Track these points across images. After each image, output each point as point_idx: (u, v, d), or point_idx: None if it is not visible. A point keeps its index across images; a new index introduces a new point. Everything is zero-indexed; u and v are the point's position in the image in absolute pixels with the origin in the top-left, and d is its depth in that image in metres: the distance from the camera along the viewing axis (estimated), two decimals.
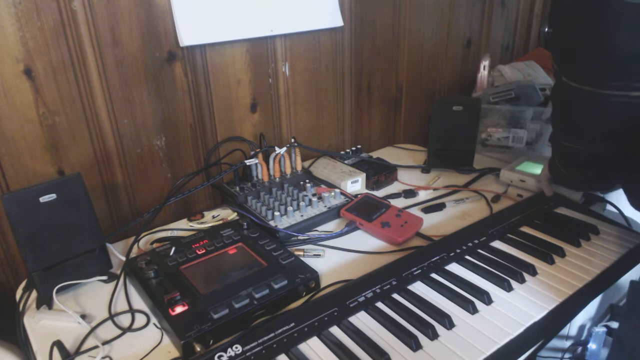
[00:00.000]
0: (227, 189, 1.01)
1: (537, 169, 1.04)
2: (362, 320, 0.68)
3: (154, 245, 0.87)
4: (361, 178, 1.07)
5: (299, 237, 0.89)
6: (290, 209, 0.92)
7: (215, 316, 0.65)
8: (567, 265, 0.79)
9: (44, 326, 0.70)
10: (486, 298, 0.71)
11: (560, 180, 0.89)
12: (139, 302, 0.74)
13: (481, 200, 1.03)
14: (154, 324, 0.70)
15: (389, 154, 1.28)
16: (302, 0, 1.03)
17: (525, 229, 0.90)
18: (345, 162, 1.16)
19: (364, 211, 0.92)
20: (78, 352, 0.65)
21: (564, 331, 1.09)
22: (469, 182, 1.11)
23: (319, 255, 0.84)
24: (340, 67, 1.19)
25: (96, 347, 0.65)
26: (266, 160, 1.03)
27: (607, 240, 0.86)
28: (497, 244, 0.85)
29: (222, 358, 0.60)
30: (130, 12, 0.85)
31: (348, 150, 1.21)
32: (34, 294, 0.76)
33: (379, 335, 0.65)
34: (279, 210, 0.92)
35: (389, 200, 1.00)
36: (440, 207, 0.99)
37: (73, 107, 0.84)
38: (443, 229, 0.92)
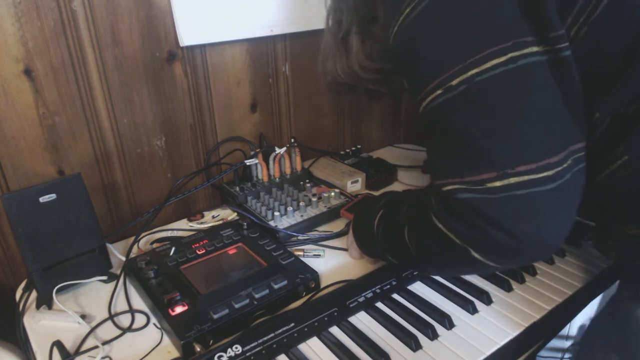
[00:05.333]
0: (227, 189, 1.01)
1: None
2: (362, 320, 0.68)
3: (154, 245, 0.87)
4: (361, 178, 1.07)
5: (299, 237, 0.89)
6: (290, 209, 0.92)
7: (215, 316, 0.65)
8: (567, 265, 0.79)
9: (43, 326, 0.70)
10: (486, 298, 0.71)
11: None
12: (138, 302, 0.74)
13: None
14: (154, 324, 0.70)
15: (389, 154, 1.28)
16: (302, 0, 1.03)
17: None
18: (345, 162, 1.16)
19: None
20: (78, 352, 0.65)
21: (564, 331, 1.09)
22: None
23: (319, 255, 0.84)
24: None
25: (96, 347, 0.65)
26: (266, 160, 1.03)
27: None
28: None
29: (222, 358, 0.60)
30: (130, 12, 0.85)
31: (348, 150, 1.21)
32: (34, 294, 0.76)
33: (379, 336, 0.65)
34: (279, 210, 0.92)
35: None
36: None
37: (73, 107, 0.84)
38: None
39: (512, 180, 0.45)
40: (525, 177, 0.45)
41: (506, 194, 0.45)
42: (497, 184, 0.46)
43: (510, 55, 0.46)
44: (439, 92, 0.50)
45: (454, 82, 0.48)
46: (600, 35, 0.49)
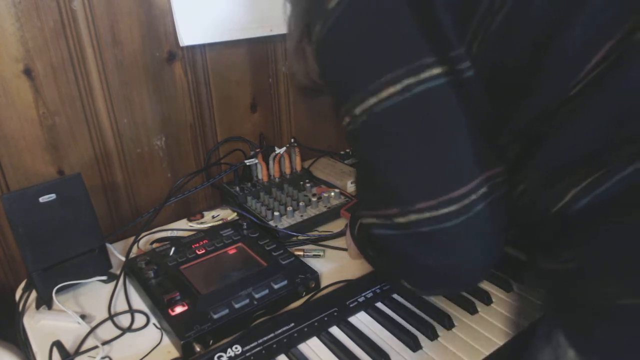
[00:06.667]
0: (227, 189, 1.01)
1: None
2: (361, 320, 0.68)
3: (154, 245, 0.87)
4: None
5: (299, 237, 0.89)
6: (290, 209, 0.91)
7: (215, 316, 0.65)
8: None
9: (43, 326, 0.70)
10: (486, 298, 0.71)
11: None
12: (138, 302, 0.74)
13: None
14: (154, 324, 0.70)
15: None
16: None
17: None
18: (345, 162, 1.16)
19: None
20: (78, 352, 0.65)
21: None
22: None
23: (319, 255, 0.83)
24: None
25: (96, 347, 0.65)
26: (266, 160, 1.03)
27: None
28: None
29: (221, 358, 0.60)
30: (130, 12, 0.85)
31: (348, 150, 1.21)
32: (34, 294, 0.75)
33: (379, 336, 0.65)
34: (278, 210, 0.91)
35: None
36: None
37: (73, 107, 0.84)
38: None
39: (413, 217, 0.43)
40: (426, 214, 0.42)
41: (412, 231, 0.44)
42: (401, 220, 0.44)
43: (405, 83, 0.42)
44: (347, 119, 0.47)
45: (357, 111, 0.45)
46: (500, 51, 0.45)
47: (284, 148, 1.03)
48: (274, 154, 1.02)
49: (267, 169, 1.02)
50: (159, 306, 0.68)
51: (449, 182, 0.43)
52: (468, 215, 0.42)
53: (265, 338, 0.63)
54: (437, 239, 0.43)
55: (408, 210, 0.43)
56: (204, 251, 0.81)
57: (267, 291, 0.70)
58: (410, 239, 0.45)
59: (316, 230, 0.92)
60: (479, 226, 0.44)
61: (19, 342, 0.71)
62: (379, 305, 0.71)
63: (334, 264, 0.82)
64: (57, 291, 0.73)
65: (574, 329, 0.47)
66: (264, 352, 0.61)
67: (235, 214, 0.98)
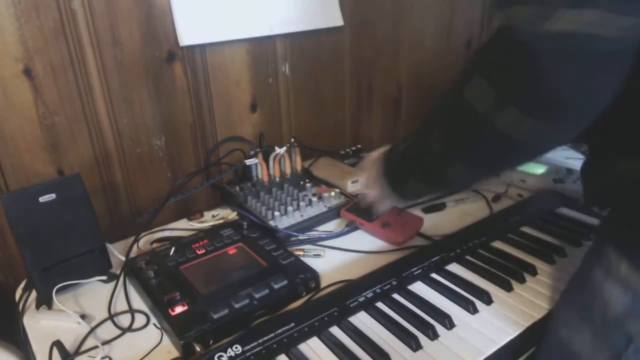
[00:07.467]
0: (227, 189, 1.01)
1: (537, 169, 1.04)
2: (362, 320, 0.68)
3: (154, 245, 0.87)
4: (361, 178, 1.07)
5: (299, 237, 0.88)
6: (290, 209, 0.91)
7: (215, 316, 0.65)
8: (568, 265, 0.79)
9: (43, 326, 0.70)
10: (487, 298, 0.71)
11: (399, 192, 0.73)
12: (138, 302, 0.74)
13: (481, 200, 1.03)
14: (154, 324, 0.69)
15: None
16: (302, 0, 1.03)
17: (525, 229, 0.90)
18: (345, 162, 1.16)
19: (364, 211, 0.92)
20: (78, 352, 0.65)
21: None
22: None
23: (319, 255, 0.83)
24: (340, 66, 1.19)
25: (96, 347, 0.65)
26: (266, 160, 1.03)
27: None
28: (497, 244, 0.85)
29: (222, 358, 0.60)
30: (130, 12, 0.85)
31: (348, 150, 1.20)
32: (34, 294, 0.75)
33: (379, 336, 0.65)
34: (279, 210, 0.91)
35: None
36: (440, 206, 0.99)
37: (72, 106, 0.84)
38: (443, 228, 0.92)
39: (571, 24, 0.40)
40: (590, 30, 0.40)
41: (562, 39, 0.41)
42: (555, 28, 0.41)
43: None
44: None
45: None
46: None
47: (284, 148, 1.03)
48: (274, 153, 1.02)
49: (267, 168, 1.02)
50: (159, 306, 0.68)
51: (626, 4, 0.39)
52: (619, 47, 0.41)
53: (265, 338, 0.63)
54: (582, 55, 0.41)
55: (569, 13, 0.40)
56: (204, 251, 0.81)
57: (267, 291, 0.70)
58: (555, 47, 0.42)
59: (316, 230, 0.92)
60: (621, 61, 0.42)
61: (19, 342, 0.71)
62: (379, 305, 0.71)
63: (334, 264, 0.81)
64: (57, 291, 0.73)
65: (630, 241, 0.46)
66: (264, 352, 0.61)
67: (236, 213, 0.98)
